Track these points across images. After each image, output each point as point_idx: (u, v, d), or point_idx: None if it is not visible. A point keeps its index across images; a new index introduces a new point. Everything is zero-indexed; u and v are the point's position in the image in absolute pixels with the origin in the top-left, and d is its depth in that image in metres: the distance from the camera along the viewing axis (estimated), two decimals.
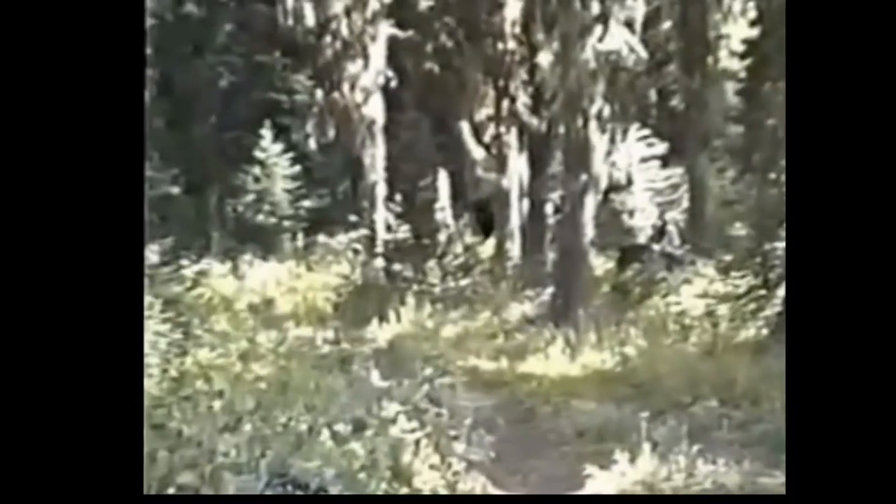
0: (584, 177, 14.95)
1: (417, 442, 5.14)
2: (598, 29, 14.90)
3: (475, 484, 6.60)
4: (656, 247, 17.46)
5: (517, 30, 18.92)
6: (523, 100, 19.11)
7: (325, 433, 4.88)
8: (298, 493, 3.74)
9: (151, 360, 7.10)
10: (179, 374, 6.75)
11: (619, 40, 15.28)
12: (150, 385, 6.39)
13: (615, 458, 7.37)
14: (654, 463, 7.31)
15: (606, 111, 15.25)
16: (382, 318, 15.25)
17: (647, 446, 7.43)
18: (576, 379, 11.43)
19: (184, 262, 15.22)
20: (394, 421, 5.23)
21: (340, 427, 4.92)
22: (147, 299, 10.69)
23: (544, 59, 18.13)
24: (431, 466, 5.07)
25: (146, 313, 9.90)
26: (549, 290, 15.83)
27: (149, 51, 20.93)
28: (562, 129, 16.80)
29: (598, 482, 7.30)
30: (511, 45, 19.06)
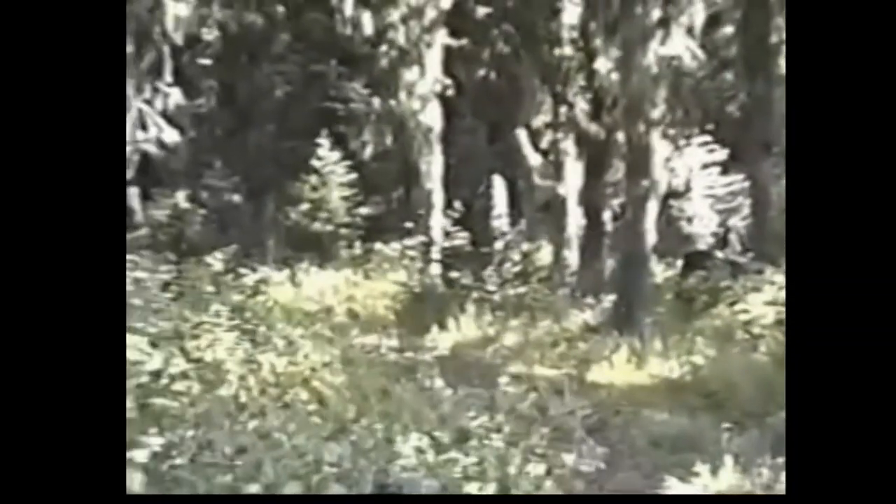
0: (645, 182, 14.82)
1: (522, 451, 5.07)
2: (660, 33, 14.79)
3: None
4: (719, 254, 17.28)
5: (575, 35, 18.80)
6: (581, 106, 18.97)
7: (420, 441, 4.81)
8: None
9: (230, 367, 7.10)
10: (259, 382, 6.73)
11: (681, 45, 15.18)
12: (230, 391, 6.39)
13: (696, 470, 7.24)
14: (736, 475, 7.17)
15: (668, 117, 15.14)
16: (442, 326, 15.18)
17: (728, 458, 7.29)
18: (644, 388, 11.29)
19: (244, 270, 15.27)
20: (498, 430, 5.17)
21: (440, 436, 4.87)
22: (214, 307, 10.72)
23: (603, 64, 18.03)
24: (530, 474, 4.99)
25: (215, 320, 9.92)
26: (610, 297, 15.70)
27: (209, 61, 21.20)
28: (621, 136, 16.71)
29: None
30: (568, 50, 18.93)
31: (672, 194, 19.67)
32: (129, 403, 3.78)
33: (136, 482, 3.50)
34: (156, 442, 3.66)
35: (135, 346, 4.55)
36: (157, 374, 5.07)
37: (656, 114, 14.74)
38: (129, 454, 3.47)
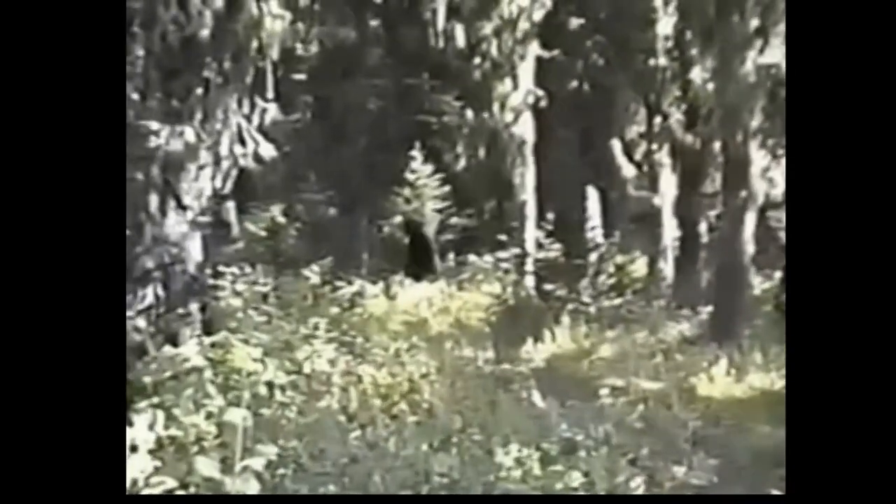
0: (742, 193, 14.64)
1: (633, 462, 5.04)
2: (758, 42, 14.59)
3: None
4: None
5: (670, 45, 18.66)
6: (676, 116, 18.81)
7: (520, 453, 4.80)
8: None
9: (333, 379, 7.18)
10: (360, 393, 6.80)
11: (780, 53, 14.93)
12: (334, 403, 6.45)
13: None
14: None
15: (767, 126, 14.91)
16: (537, 339, 15.13)
17: None
18: (744, 401, 11.09)
19: (340, 282, 15.43)
20: (605, 442, 5.15)
21: (548, 448, 4.85)
22: (312, 319, 10.85)
23: (698, 74, 17.85)
24: (639, 487, 4.96)
25: (314, 332, 10.04)
26: (707, 309, 15.50)
27: (304, 76, 21.48)
28: (717, 146, 16.52)
29: None
30: (663, 61, 18.80)
31: (770, 205, 19.32)
32: (244, 413, 3.85)
33: (251, 489, 3.57)
34: (271, 451, 3.72)
35: (248, 356, 4.63)
36: (269, 385, 5.16)
37: (754, 123, 14.55)
38: (245, 462, 3.54)
